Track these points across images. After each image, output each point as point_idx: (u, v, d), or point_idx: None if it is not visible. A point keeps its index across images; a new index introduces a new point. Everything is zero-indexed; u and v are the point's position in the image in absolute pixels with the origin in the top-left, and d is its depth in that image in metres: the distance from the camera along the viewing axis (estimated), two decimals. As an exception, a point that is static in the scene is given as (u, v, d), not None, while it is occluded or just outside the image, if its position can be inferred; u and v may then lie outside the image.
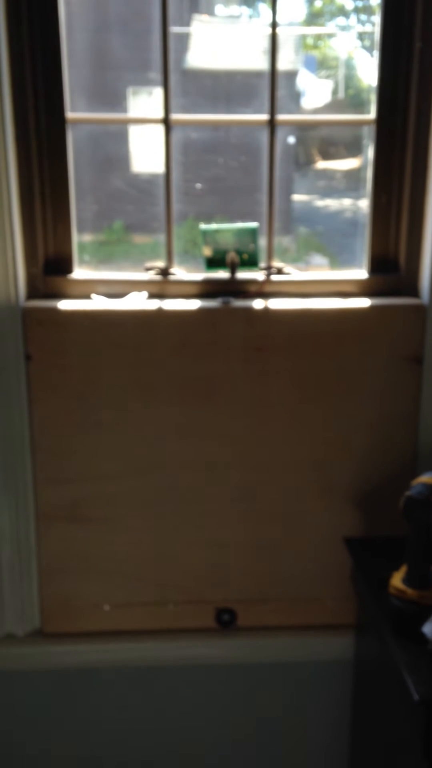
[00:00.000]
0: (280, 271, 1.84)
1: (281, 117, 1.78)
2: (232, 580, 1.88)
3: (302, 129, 2.25)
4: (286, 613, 1.90)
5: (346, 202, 2.31)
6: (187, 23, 1.98)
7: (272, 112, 1.76)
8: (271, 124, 1.77)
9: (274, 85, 1.74)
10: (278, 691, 1.95)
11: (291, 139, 2.15)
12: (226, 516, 1.84)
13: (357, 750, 1.92)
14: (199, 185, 1.96)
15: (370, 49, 2.08)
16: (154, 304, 1.75)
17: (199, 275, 1.83)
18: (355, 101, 2.30)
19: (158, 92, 1.75)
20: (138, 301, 1.77)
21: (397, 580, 1.53)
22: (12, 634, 1.88)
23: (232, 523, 1.85)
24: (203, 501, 1.83)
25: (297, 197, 2.26)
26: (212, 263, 1.81)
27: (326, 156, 2.34)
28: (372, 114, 1.78)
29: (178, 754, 1.99)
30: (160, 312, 1.74)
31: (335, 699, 1.96)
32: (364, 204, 1.88)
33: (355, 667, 1.90)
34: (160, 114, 1.76)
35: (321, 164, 2.35)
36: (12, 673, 1.89)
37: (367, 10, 2.16)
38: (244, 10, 2.15)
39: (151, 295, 1.81)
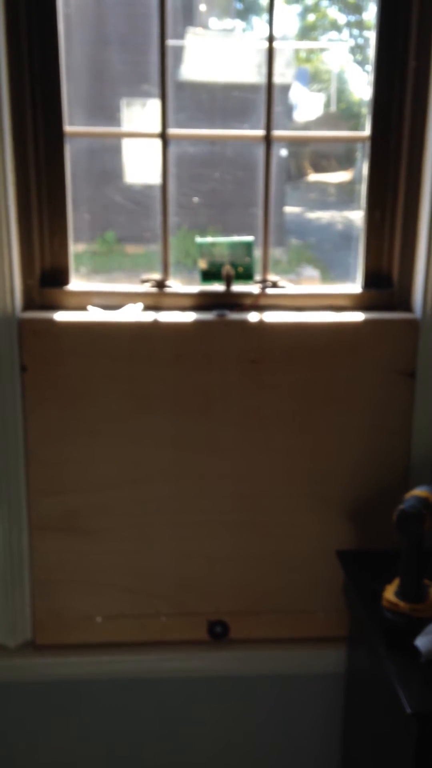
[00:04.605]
0: (275, 285, 1.85)
1: (277, 133, 1.79)
2: (224, 592, 1.88)
3: (295, 142, 2.26)
4: (278, 626, 1.91)
5: (338, 214, 2.32)
6: (182, 36, 1.99)
7: (268, 128, 1.78)
8: (267, 139, 1.79)
9: (271, 100, 1.76)
10: (270, 703, 1.96)
11: (283, 152, 2.16)
12: (219, 528, 1.85)
13: (348, 762, 1.93)
14: (196, 199, 1.97)
15: (362, 63, 2.10)
16: (149, 316, 1.76)
17: (195, 288, 1.84)
18: (347, 114, 2.32)
19: (152, 103, 1.76)
20: (134, 313, 1.78)
21: (389, 593, 1.54)
22: (4, 646, 1.87)
23: (225, 535, 1.85)
24: (196, 513, 1.83)
25: (288, 209, 2.27)
26: (208, 276, 1.82)
27: (318, 169, 2.36)
28: (366, 130, 1.81)
29: (169, 766, 1.99)
30: (155, 324, 1.75)
31: (327, 711, 1.96)
32: (356, 216, 1.89)
33: (347, 680, 1.91)
34: (156, 128, 1.77)
35: (313, 177, 2.36)
36: (3, 684, 1.89)
37: (360, 24, 2.18)
38: (238, 23, 2.16)
39: (147, 307, 1.82)
